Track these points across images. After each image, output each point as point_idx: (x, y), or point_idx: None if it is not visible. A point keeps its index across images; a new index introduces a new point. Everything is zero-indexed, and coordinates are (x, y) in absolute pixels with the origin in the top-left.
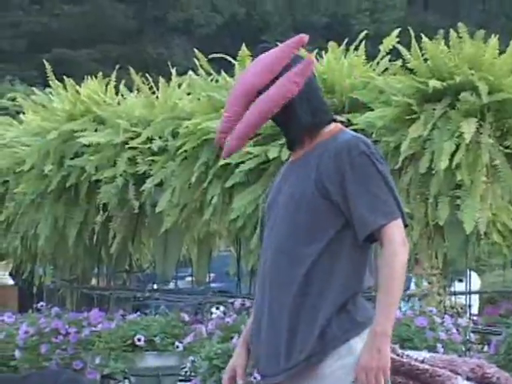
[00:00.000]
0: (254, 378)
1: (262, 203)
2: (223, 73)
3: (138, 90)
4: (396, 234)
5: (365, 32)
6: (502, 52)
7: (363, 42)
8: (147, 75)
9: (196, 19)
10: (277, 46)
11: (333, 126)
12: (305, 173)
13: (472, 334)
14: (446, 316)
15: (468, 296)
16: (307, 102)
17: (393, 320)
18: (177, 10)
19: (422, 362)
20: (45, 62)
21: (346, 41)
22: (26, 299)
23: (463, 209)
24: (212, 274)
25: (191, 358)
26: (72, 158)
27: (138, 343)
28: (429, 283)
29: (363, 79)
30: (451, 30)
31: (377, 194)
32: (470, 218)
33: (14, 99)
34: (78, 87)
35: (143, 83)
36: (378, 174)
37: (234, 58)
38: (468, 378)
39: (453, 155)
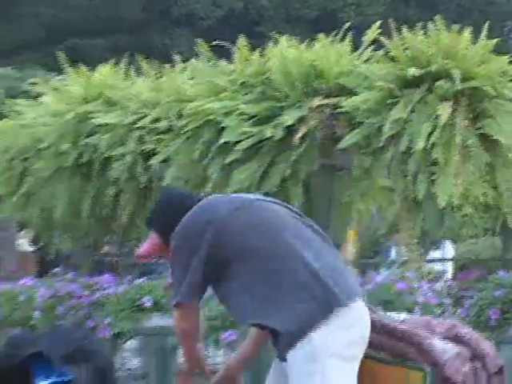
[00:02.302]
0: None
1: None
2: (223, 60)
3: (145, 75)
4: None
5: (350, 24)
6: (474, 43)
7: (349, 34)
8: (154, 62)
9: (197, 13)
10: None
11: None
12: None
13: (447, 298)
14: (423, 281)
15: (443, 263)
16: None
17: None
18: (179, 4)
19: (402, 322)
20: (61, 50)
21: (334, 32)
22: (44, 265)
23: (438, 184)
24: None
25: None
26: (86, 137)
27: (144, 305)
28: (407, 251)
29: (349, 67)
30: (429, 23)
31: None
32: (445, 193)
33: (34, 84)
34: (91, 73)
35: (150, 69)
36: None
37: (233, 47)
38: (444, 338)
39: (429, 136)
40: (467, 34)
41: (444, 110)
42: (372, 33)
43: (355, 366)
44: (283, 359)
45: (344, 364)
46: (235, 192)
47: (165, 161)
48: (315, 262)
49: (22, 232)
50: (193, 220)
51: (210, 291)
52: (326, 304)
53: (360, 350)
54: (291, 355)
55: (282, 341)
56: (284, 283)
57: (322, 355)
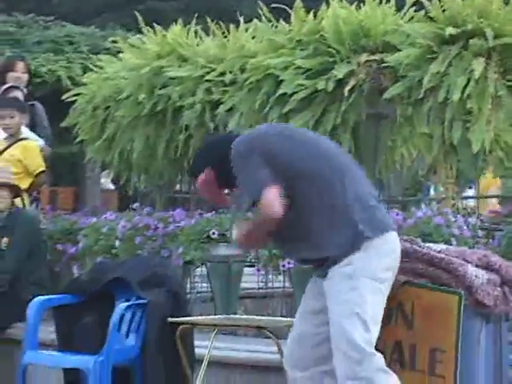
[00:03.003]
0: None
1: None
2: (281, 21)
3: (213, 34)
4: None
5: None
6: (506, 3)
7: None
8: (220, 23)
9: None
10: None
11: None
12: None
13: (479, 231)
14: (459, 216)
15: (477, 200)
16: None
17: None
18: None
19: (440, 252)
20: (139, 11)
21: None
22: (124, 201)
23: (472, 131)
24: None
25: None
26: (160, 89)
27: (212, 236)
28: (445, 189)
29: (394, 26)
30: None
31: None
32: (478, 139)
33: (115, 41)
34: (165, 32)
35: (217, 29)
36: None
37: (291, 8)
38: (476, 266)
39: (464, 88)
40: None
41: (477, 65)
42: None
43: (386, 289)
44: (324, 276)
45: (377, 285)
46: None
47: (229, 110)
48: (359, 191)
49: (105, 172)
50: (244, 141)
51: None
52: (367, 231)
53: (391, 276)
54: (333, 271)
55: (328, 261)
56: (335, 206)
57: (360, 275)
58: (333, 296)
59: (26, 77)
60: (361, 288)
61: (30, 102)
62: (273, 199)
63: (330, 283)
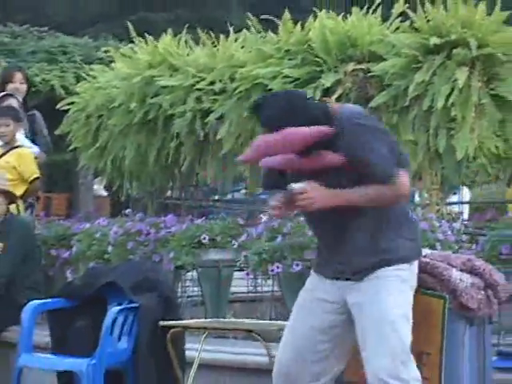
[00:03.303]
0: None
1: None
2: (270, 31)
3: (203, 44)
4: None
5: None
6: (489, 14)
7: (379, 7)
8: (210, 33)
9: None
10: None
11: None
12: None
13: (463, 236)
14: (443, 221)
15: (460, 205)
16: None
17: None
18: None
19: (425, 256)
20: (131, 22)
21: (366, 6)
22: (116, 207)
23: (456, 138)
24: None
25: (244, 253)
26: (151, 98)
27: (203, 241)
28: (430, 195)
29: (379, 36)
30: None
31: None
32: (462, 146)
33: (107, 51)
34: (156, 42)
35: (207, 39)
36: None
37: (279, 20)
38: (461, 270)
39: (448, 96)
40: (482, 6)
41: (461, 74)
42: (399, 6)
43: None
44: (358, 279)
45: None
46: None
47: (220, 118)
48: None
49: (98, 179)
50: (373, 118)
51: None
52: (419, 248)
53: None
54: (389, 271)
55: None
56: (404, 213)
57: (409, 284)
58: (382, 294)
59: (24, 87)
60: (408, 295)
61: (29, 112)
62: (407, 181)
63: (380, 282)
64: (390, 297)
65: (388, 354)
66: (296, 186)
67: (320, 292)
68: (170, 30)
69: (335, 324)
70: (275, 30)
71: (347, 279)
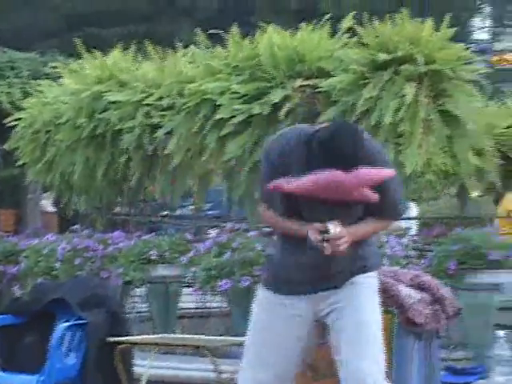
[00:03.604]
0: None
1: None
2: (218, 46)
3: (151, 59)
4: None
5: (328, 14)
6: (436, 31)
7: (327, 23)
8: (159, 48)
9: (198, 5)
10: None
11: None
12: None
13: (411, 251)
14: (391, 236)
15: (408, 221)
16: None
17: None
18: None
19: None
20: (79, 38)
21: (314, 22)
22: (64, 223)
23: (404, 154)
24: (209, 204)
25: (193, 269)
26: (100, 113)
27: (151, 257)
28: None
29: (327, 52)
30: (396, 14)
31: None
32: (410, 161)
33: (55, 67)
34: (104, 58)
35: (155, 54)
36: None
37: (227, 34)
38: (409, 285)
39: (396, 111)
40: (429, 23)
41: (409, 90)
42: (347, 22)
43: None
44: (332, 287)
45: None
46: (229, 160)
47: (168, 133)
48: None
49: (46, 194)
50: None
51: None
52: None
53: None
54: (363, 277)
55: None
56: None
57: (377, 291)
58: (361, 299)
59: None
60: (378, 302)
61: None
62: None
63: (357, 288)
64: (369, 304)
65: (372, 359)
66: (332, 229)
67: (289, 309)
68: (118, 46)
69: (305, 338)
70: (223, 44)
71: (323, 290)
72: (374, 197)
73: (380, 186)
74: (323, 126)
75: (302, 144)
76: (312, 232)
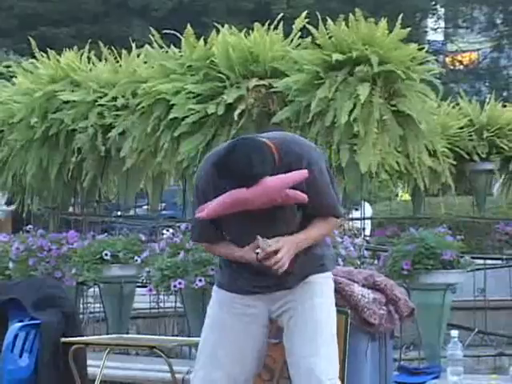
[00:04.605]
0: None
1: None
2: (172, 46)
3: (105, 59)
4: None
5: (282, 15)
6: (390, 32)
7: (281, 23)
8: (112, 48)
9: (151, 5)
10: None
11: None
12: None
13: (365, 251)
14: (345, 237)
15: (362, 221)
16: None
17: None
18: None
19: None
20: (32, 37)
21: (268, 22)
22: (17, 223)
23: (359, 154)
24: (163, 204)
25: (147, 269)
26: (53, 113)
27: (105, 257)
28: None
29: (282, 52)
30: (350, 14)
31: None
32: (365, 161)
33: (8, 66)
34: (58, 57)
35: (109, 54)
36: None
37: (182, 34)
38: (363, 285)
39: (351, 112)
40: (383, 24)
41: (363, 90)
42: (300, 22)
43: None
44: (287, 288)
45: None
46: (183, 161)
47: (122, 133)
48: None
49: None
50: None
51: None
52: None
53: None
54: (318, 277)
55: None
56: None
57: (332, 291)
58: (316, 299)
59: None
60: (333, 302)
61: None
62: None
63: (311, 287)
64: (323, 304)
65: (327, 359)
66: (262, 244)
67: (243, 308)
68: (72, 45)
69: (260, 337)
70: (178, 44)
71: (277, 290)
72: (302, 196)
73: (309, 188)
74: (224, 146)
75: (212, 169)
76: (248, 254)
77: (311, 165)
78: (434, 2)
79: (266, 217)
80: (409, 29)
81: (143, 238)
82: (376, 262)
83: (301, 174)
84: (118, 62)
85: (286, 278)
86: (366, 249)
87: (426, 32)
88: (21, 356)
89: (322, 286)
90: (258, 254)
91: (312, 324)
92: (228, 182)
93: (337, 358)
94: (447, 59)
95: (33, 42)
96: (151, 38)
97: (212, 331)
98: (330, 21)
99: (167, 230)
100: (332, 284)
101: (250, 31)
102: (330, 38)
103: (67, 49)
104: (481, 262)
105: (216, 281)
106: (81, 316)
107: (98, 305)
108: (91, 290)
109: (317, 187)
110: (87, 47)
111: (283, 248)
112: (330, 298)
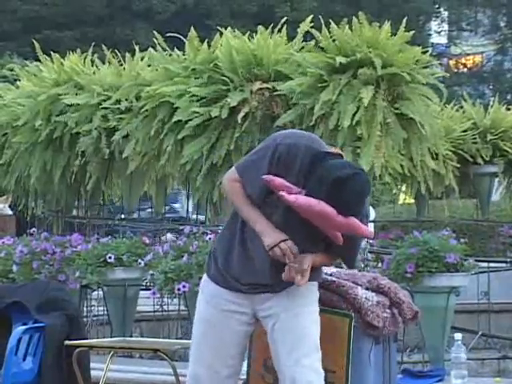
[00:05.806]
0: None
1: None
2: (176, 49)
3: (109, 62)
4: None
5: (286, 18)
6: (393, 35)
7: (285, 27)
8: (116, 51)
9: (155, 8)
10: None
11: None
12: None
13: (369, 254)
14: None
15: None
16: None
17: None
18: (139, 0)
19: (330, 275)
20: (36, 40)
21: (272, 25)
22: (21, 226)
23: (362, 156)
24: (167, 207)
25: (151, 272)
26: (57, 116)
27: (109, 260)
28: None
29: (285, 55)
30: (354, 18)
31: None
32: (368, 164)
33: (12, 69)
34: (62, 60)
35: (113, 57)
36: None
37: (185, 38)
38: (366, 288)
39: (354, 115)
40: (386, 27)
41: (367, 93)
42: (304, 26)
43: None
44: (274, 291)
45: None
46: (186, 163)
47: (125, 136)
48: None
49: (2, 198)
50: None
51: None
52: None
53: None
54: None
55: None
56: None
57: (316, 296)
58: (301, 306)
59: None
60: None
61: None
62: None
63: (298, 295)
64: (308, 312)
65: (310, 367)
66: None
67: (229, 304)
68: (76, 48)
69: (246, 335)
70: (181, 48)
71: (262, 292)
72: (340, 239)
73: (353, 236)
74: (333, 151)
75: (309, 159)
76: (269, 236)
77: (366, 217)
78: (437, 5)
79: (309, 231)
80: (412, 32)
81: (147, 240)
82: (380, 264)
83: (369, 233)
84: (121, 65)
85: (273, 281)
86: (370, 252)
87: (430, 35)
88: (24, 359)
89: (307, 293)
90: (289, 261)
91: (295, 333)
92: (328, 198)
93: (320, 367)
94: (451, 62)
95: (37, 45)
96: (155, 41)
97: (198, 326)
98: (333, 24)
99: (171, 233)
100: (317, 292)
101: (254, 34)
102: (333, 40)
103: (71, 52)
104: (484, 264)
105: (207, 267)
106: (84, 319)
107: (101, 308)
108: (95, 292)
109: (357, 241)
110: (91, 50)
111: (307, 261)
112: (314, 307)
